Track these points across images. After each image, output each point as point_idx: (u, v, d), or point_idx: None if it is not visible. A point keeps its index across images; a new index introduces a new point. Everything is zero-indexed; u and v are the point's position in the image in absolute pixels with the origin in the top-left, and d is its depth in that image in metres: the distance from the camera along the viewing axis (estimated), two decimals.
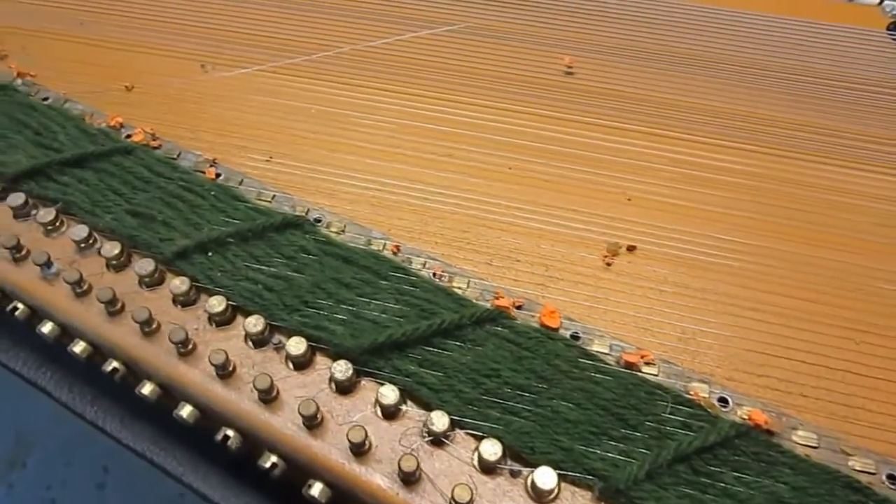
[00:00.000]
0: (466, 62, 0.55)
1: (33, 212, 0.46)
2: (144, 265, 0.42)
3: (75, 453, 1.08)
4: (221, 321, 0.41)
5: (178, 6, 0.61)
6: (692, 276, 0.43)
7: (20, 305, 0.44)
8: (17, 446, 1.09)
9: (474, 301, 0.41)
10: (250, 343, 0.40)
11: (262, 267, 0.43)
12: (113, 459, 1.07)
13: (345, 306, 0.41)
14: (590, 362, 0.39)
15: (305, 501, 0.36)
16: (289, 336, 0.40)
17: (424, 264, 0.43)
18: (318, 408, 0.36)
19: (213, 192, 0.46)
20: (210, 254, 0.43)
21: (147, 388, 0.40)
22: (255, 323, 0.40)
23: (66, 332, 0.43)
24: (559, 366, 0.38)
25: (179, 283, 0.41)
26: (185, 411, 0.39)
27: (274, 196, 0.47)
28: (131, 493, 1.05)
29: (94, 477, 1.06)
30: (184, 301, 0.42)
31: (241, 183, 0.48)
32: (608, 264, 0.44)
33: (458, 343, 0.39)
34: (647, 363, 0.39)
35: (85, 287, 0.42)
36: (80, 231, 0.44)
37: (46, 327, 0.43)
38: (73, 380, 0.48)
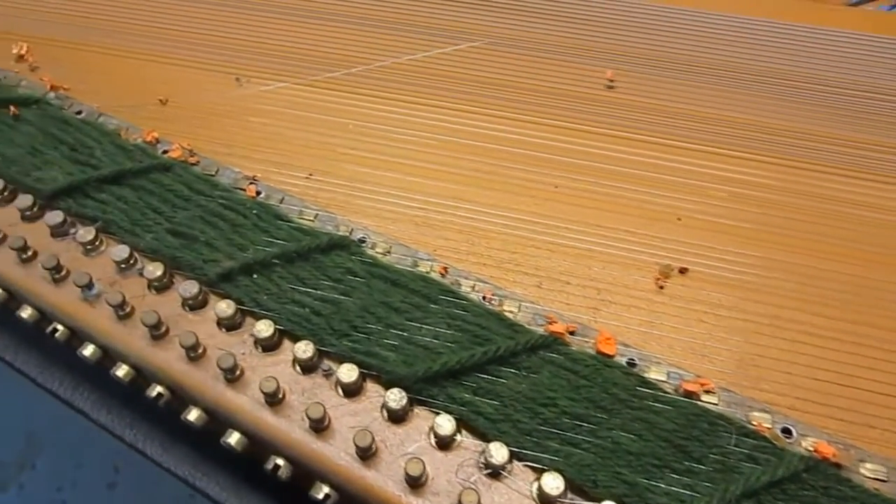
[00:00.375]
0: (508, 76, 0.54)
1: (71, 230, 0.45)
2: (189, 287, 0.41)
3: (85, 454, 1.08)
4: (268, 346, 0.40)
5: (210, 18, 0.60)
6: (747, 299, 0.42)
7: (60, 327, 0.43)
8: (27, 447, 1.09)
9: (527, 326, 0.40)
10: (298, 368, 0.40)
11: (309, 290, 0.42)
12: (124, 459, 1.06)
13: (395, 331, 0.40)
14: (649, 391, 0.38)
15: None
16: (338, 362, 0.39)
17: (473, 287, 0.42)
18: (373, 438, 0.36)
19: (254, 211, 0.45)
20: (255, 276, 0.42)
21: (193, 415, 0.39)
22: (304, 349, 0.39)
23: (108, 355, 0.42)
24: (618, 395, 0.37)
25: (226, 307, 0.41)
26: (234, 439, 0.38)
27: (317, 215, 0.46)
28: (142, 492, 1.05)
29: (105, 477, 1.06)
30: (228, 325, 0.41)
31: (281, 201, 0.47)
32: (661, 287, 0.43)
33: (512, 370, 0.38)
34: (707, 391, 0.38)
35: (128, 309, 0.41)
36: (122, 251, 0.43)
37: (88, 350, 0.42)
38: (112, 401, 0.47)
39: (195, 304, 0.42)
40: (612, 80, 0.54)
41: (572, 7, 0.59)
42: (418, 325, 0.40)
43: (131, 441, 0.45)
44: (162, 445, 0.45)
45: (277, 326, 0.40)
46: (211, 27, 0.59)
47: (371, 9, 0.60)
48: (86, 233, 0.44)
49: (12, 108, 0.51)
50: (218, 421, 0.40)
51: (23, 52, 0.57)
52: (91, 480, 1.06)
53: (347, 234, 0.45)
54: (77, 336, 0.43)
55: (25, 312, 0.44)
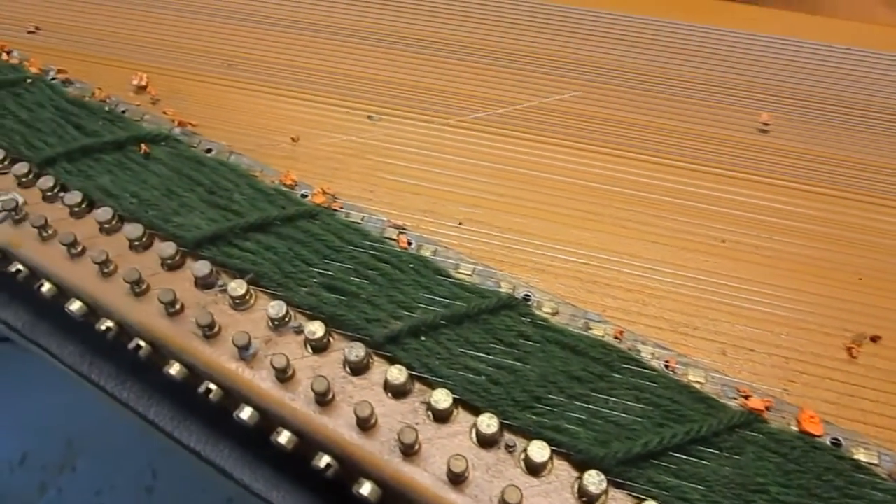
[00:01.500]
0: (661, 119, 0.51)
1: (219, 282, 0.43)
2: (354, 350, 0.39)
3: (124, 458, 1.07)
4: (441, 415, 0.38)
5: (341, 51, 0.57)
6: None
7: (213, 387, 0.41)
8: (66, 450, 1.09)
9: (718, 399, 0.38)
10: (475, 441, 0.37)
11: (481, 354, 0.39)
12: (162, 464, 1.05)
13: (579, 404, 0.37)
14: (865, 478, 0.35)
15: None
16: (524, 437, 0.37)
17: (653, 354, 0.40)
18: None
19: (412, 265, 0.43)
20: (423, 338, 0.40)
21: (366, 489, 0.37)
22: (488, 423, 0.36)
23: (268, 419, 0.40)
24: (833, 482, 0.35)
25: (398, 373, 0.38)
26: None
27: (474, 269, 0.43)
28: (180, 497, 1.05)
29: (143, 481, 1.04)
30: (397, 391, 0.39)
31: (434, 253, 0.44)
32: (854, 356, 0.40)
33: (713, 451, 0.36)
34: None
35: (290, 373, 0.39)
36: (278, 308, 0.41)
37: (246, 413, 0.40)
38: (253, 460, 0.45)
39: (359, 368, 0.40)
40: (766, 124, 0.51)
41: (723, 48, 0.56)
42: (604, 397, 0.38)
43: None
44: None
45: (454, 395, 0.38)
46: (343, 61, 0.56)
47: (515, 44, 0.57)
48: (237, 286, 0.42)
49: (143, 145, 0.49)
50: (391, 496, 0.37)
51: (143, 83, 0.55)
52: (129, 484, 1.05)
53: (511, 291, 0.42)
54: (232, 397, 0.41)
55: (174, 369, 0.42)
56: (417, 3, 0.60)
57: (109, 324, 0.44)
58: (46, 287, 0.46)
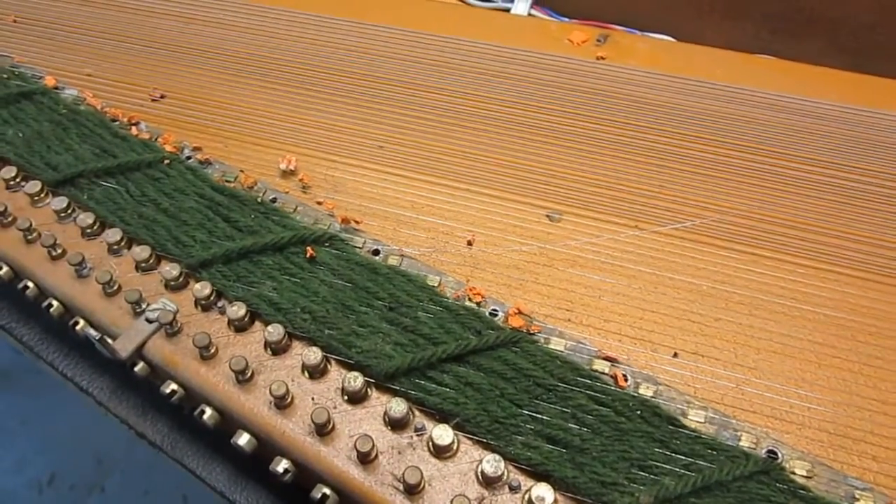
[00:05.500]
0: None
1: (416, 423, 0.38)
2: None
3: (154, 480, 1.06)
4: None
5: (507, 140, 0.52)
6: None
7: None
8: (96, 469, 1.08)
9: None
10: None
11: None
12: (192, 488, 1.03)
13: None
14: None
15: None
16: None
17: None
18: None
19: (639, 412, 0.38)
20: None
21: None
22: None
23: None
24: None
25: None
26: None
27: (706, 416, 0.38)
28: None
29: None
30: None
31: (656, 393, 0.39)
32: None
33: None
34: None
35: None
36: (495, 465, 0.36)
37: None
38: None
39: None
40: None
41: None
42: None
43: None
44: None
45: None
46: (510, 150, 0.51)
47: (722, 153, 0.51)
48: (442, 434, 0.37)
49: (309, 249, 0.44)
50: None
51: (292, 166, 0.50)
52: None
53: (754, 446, 0.37)
54: None
55: None
56: (593, 99, 0.55)
57: (287, 465, 0.39)
58: (208, 413, 0.41)
